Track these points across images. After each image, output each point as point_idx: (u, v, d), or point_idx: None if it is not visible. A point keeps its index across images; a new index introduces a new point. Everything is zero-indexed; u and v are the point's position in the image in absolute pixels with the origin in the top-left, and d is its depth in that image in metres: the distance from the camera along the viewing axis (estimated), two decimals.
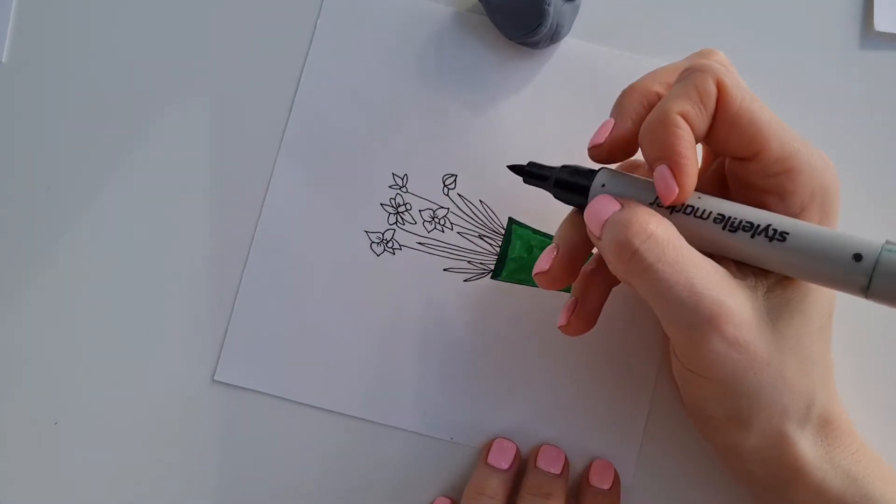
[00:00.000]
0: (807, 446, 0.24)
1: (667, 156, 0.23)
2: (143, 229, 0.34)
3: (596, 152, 0.27)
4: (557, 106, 0.34)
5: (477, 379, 0.32)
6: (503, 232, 0.33)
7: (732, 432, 0.25)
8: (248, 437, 0.32)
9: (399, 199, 0.33)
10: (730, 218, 0.23)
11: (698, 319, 0.23)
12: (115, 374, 0.33)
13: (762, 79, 0.34)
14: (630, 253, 0.23)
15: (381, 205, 0.33)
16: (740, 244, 0.23)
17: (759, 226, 0.22)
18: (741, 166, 0.25)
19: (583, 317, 0.28)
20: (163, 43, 0.35)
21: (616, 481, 0.31)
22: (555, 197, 0.28)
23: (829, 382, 0.25)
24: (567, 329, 0.28)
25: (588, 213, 0.25)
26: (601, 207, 0.25)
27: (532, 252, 0.32)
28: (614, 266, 0.24)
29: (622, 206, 0.24)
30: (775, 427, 0.24)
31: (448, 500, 0.31)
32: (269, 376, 0.32)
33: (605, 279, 0.28)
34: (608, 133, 0.26)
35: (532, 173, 0.29)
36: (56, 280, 0.33)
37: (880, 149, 0.34)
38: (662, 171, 0.23)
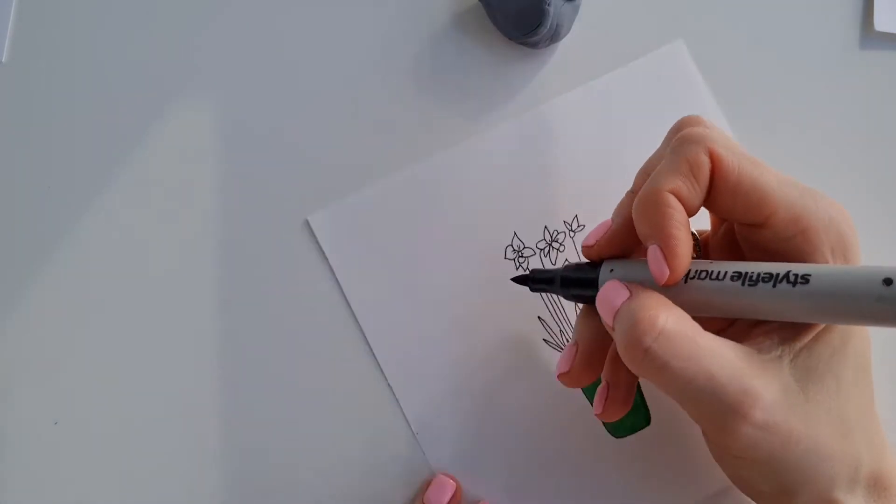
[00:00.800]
0: None
1: (657, 236, 0.23)
2: (144, 229, 0.34)
3: (588, 252, 0.27)
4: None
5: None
6: None
7: (781, 503, 0.24)
8: (250, 435, 0.32)
9: (560, 238, 0.33)
10: (747, 273, 0.22)
11: (724, 409, 0.21)
12: (116, 374, 0.33)
13: (762, 79, 0.34)
14: (642, 353, 0.22)
15: (545, 227, 0.33)
16: (763, 297, 0.22)
17: (778, 274, 0.21)
18: (752, 232, 0.24)
19: (618, 401, 0.27)
20: (163, 43, 0.35)
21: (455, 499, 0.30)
22: (565, 298, 0.28)
23: (875, 437, 0.24)
24: (604, 416, 0.27)
25: (599, 302, 0.24)
26: (611, 296, 0.24)
27: None
28: (628, 362, 0.23)
29: (631, 292, 0.23)
30: (824, 496, 0.23)
31: (450, 480, 0.31)
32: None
33: (598, 344, 0.27)
34: (602, 234, 0.26)
35: (537, 279, 0.29)
36: (56, 280, 0.33)
37: (880, 148, 0.34)
38: (654, 252, 0.23)
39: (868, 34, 0.35)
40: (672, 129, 0.26)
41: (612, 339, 0.26)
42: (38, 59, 0.35)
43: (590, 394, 0.31)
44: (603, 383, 0.27)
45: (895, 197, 0.34)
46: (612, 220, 0.26)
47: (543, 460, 0.31)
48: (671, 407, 0.30)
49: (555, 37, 0.33)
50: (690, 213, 0.24)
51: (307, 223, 0.33)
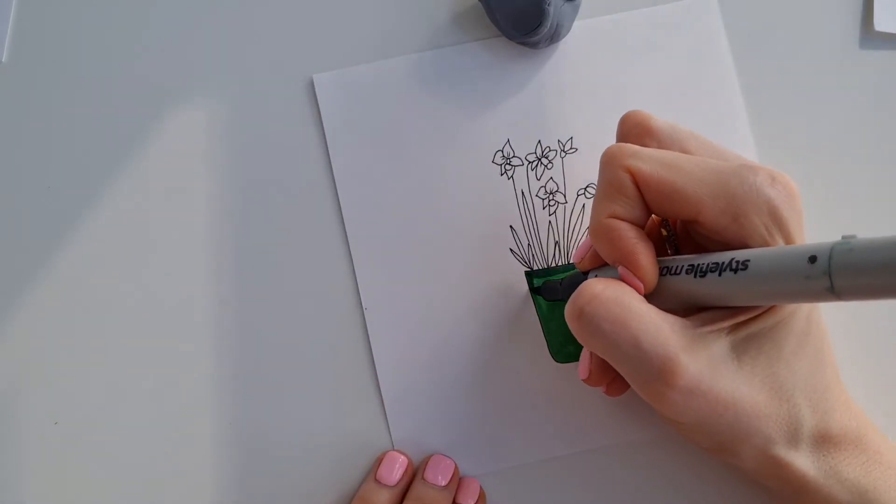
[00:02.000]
0: (806, 464, 0.25)
1: (619, 258, 0.24)
2: (144, 229, 0.34)
3: (578, 266, 0.29)
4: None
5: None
6: (571, 262, 0.33)
7: (726, 458, 0.26)
8: (251, 437, 0.32)
9: (551, 156, 0.33)
10: (698, 265, 0.23)
11: (648, 376, 0.23)
12: (116, 374, 0.33)
13: (763, 79, 0.34)
14: (576, 315, 0.24)
15: (539, 141, 0.33)
16: (712, 286, 0.23)
17: (723, 262, 0.22)
18: (693, 227, 0.25)
19: (616, 384, 0.28)
20: (163, 42, 0.35)
21: (481, 498, 0.31)
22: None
23: (825, 399, 0.25)
24: (608, 393, 0.29)
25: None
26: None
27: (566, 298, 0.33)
28: (572, 330, 0.25)
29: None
30: (762, 453, 0.24)
31: (401, 456, 0.31)
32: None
33: None
34: (585, 252, 0.28)
35: (548, 290, 0.31)
36: (56, 279, 0.33)
37: (881, 148, 0.34)
38: (623, 272, 0.24)
39: (868, 34, 0.35)
40: (618, 126, 0.28)
41: None
42: (38, 59, 0.35)
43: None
44: (589, 376, 0.28)
45: (894, 196, 0.34)
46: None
47: (485, 383, 0.32)
48: None
49: (555, 37, 0.33)
50: (640, 223, 0.25)
51: (311, 82, 0.34)
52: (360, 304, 0.32)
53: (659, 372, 0.23)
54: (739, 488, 0.31)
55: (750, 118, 0.34)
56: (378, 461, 0.31)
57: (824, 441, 0.25)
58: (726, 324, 0.24)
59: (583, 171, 0.33)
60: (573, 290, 0.27)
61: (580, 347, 0.32)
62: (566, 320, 0.25)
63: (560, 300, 0.31)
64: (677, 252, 0.27)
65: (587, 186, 0.33)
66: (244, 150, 0.34)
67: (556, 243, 0.33)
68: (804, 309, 0.25)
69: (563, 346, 0.32)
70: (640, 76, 0.34)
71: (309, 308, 0.33)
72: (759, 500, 0.31)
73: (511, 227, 0.33)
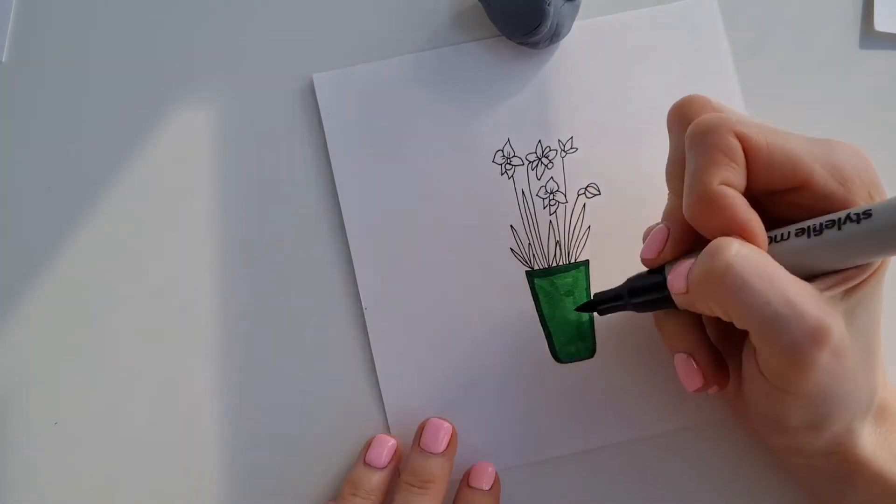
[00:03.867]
0: (866, 436, 0.24)
1: (731, 228, 0.23)
2: (144, 229, 0.34)
3: (651, 264, 0.27)
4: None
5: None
6: (572, 261, 0.33)
7: (806, 436, 0.25)
8: (251, 436, 0.32)
9: (551, 155, 0.33)
10: (811, 226, 0.23)
11: (801, 335, 0.21)
12: (116, 374, 0.33)
13: (763, 79, 0.34)
14: (722, 269, 0.22)
15: (539, 141, 0.33)
16: (831, 244, 0.22)
17: (840, 218, 0.22)
18: (789, 196, 0.24)
19: (714, 373, 0.27)
20: (163, 42, 0.35)
21: (496, 483, 0.30)
22: (637, 310, 0.28)
23: (882, 367, 0.25)
24: (718, 389, 0.27)
25: (670, 281, 0.25)
26: (681, 268, 0.24)
27: (568, 297, 0.32)
28: (705, 295, 0.23)
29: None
30: (847, 425, 0.24)
31: (390, 439, 0.31)
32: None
33: (707, 340, 0.27)
34: (662, 244, 0.26)
35: (603, 301, 0.29)
36: (56, 280, 0.33)
37: (881, 148, 0.34)
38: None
39: (868, 34, 0.35)
40: (674, 116, 0.26)
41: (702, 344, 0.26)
42: (38, 59, 0.35)
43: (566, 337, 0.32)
44: (690, 363, 0.27)
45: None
46: (668, 227, 0.26)
47: (489, 383, 0.32)
48: (618, 342, 0.32)
49: (555, 37, 0.33)
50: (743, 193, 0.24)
51: (312, 82, 0.34)
52: (360, 303, 0.32)
53: (814, 331, 0.21)
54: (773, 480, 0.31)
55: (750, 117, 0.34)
56: (367, 444, 0.31)
57: (881, 411, 0.25)
58: (844, 287, 0.23)
59: (583, 170, 0.33)
60: (642, 293, 0.27)
61: (582, 347, 0.32)
62: (695, 287, 0.23)
63: (613, 311, 0.29)
64: None
65: (588, 186, 0.33)
66: (245, 150, 0.34)
67: (557, 243, 0.33)
68: (884, 278, 0.24)
69: (565, 346, 0.32)
70: (640, 76, 0.34)
71: (309, 307, 0.33)
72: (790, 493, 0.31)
73: (511, 226, 0.33)
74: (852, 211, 0.22)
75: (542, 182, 0.33)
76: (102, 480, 0.32)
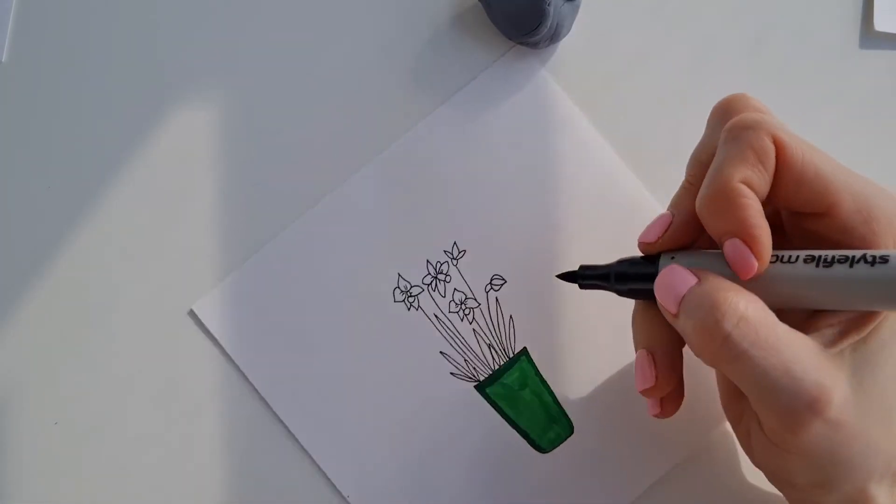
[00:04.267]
0: (883, 498, 0.23)
1: (737, 230, 0.22)
2: (144, 229, 0.34)
3: (647, 249, 0.25)
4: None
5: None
6: (511, 356, 0.32)
7: (815, 496, 0.24)
8: (255, 438, 0.32)
9: (444, 268, 0.32)
10: (822, 256, 0.21)
11: (798, 405, 0.21)
12: (116, 374, 0.33)
13: (763, 78, 0.34)
14: (721, 339, 0.21)
15: (427, 261, 0.33)
16: (839, 281, 0.21)
17: (855, 256, 0.21)
18: (810, 221, 0.23)
19: (672, 396, 0.26)
20: (162, 42, 0.35)
21: None
22: (619, 294, 0.26)
23: None
24: (663, 415, 0.26)
25: (659, 286, 0.23)
26: (675, 280, 0.23)
27: (524, 389, 0.32)
28: (699, 350, 0.22)
29: (699, 279, 0.22)
30: (859, 487, 0.23)
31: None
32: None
33: (675, 343, 0.26)
34: (664, 230, 0.25)
35: (587, 276, 0.27)
36: (57, 280, 0.33)
37: (881, 148, 0.34)
38: (736, 245, 0.22)
39: (868, 34, 0.35)
40: (717, 109, 0.25)
41: (683, 343, 0.25)
42: (38, 59, 0.35)
43: (535, 427, 0.31)
44: (656, 383, 0.26)
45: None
46: (672, 213, 0.25)
47: (473, 485, 0.31)
48: (589, 406, 0.31)
49: (555, 37, 0.33)
50: (761, 202, 0.22)
51: (192, 312, 0.33)
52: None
53: (812, 401, 0.21)
54: None
55: None
56: None
57: None
58: (851, 340, 0.22)
59: (480, 267, 0.32)
60: (629, 280, 0.25)
61: (560, 428, 0.31)
62: (688, 333, 0.22)
63: (595, 288, 0.28)
64: None
65: (491, 279, 0.32)
66: (244, 150, 0.34)
67: (490, 346, 0.32)
68: None
69: (544, 435, 0.31)
70: (493, 151, 0.33)
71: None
72: None
73: (441, 352, 0.32)
74: (869, 252, 0.21)
75: (448, 297, 0.32)
76: (102, 480, 0.32)
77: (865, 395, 0.22)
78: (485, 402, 0.32)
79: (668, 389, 0.26)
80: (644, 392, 0.26)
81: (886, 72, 0.34)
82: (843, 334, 0.22)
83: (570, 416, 0.32)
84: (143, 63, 0.35)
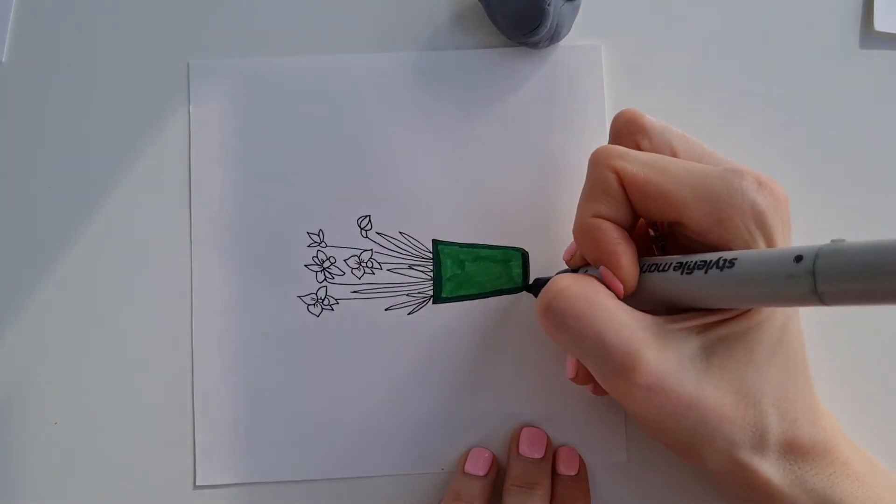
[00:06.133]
0: (772, 471, 0.24)
1: (601, 258, 0.25)
2: (144, 229, 0.34)
3: (568, 265, 0.29)
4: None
5: (451, 403, 0.32)
6: (431, 256, 0.33)
7: (690, 458, 0.26)
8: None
9: (322, 255, 0.33)
10: (686, 262, 0.23)
11: (610, 371, 0.23)
12: (116, 374, 0.33)
13: (763, 78, 0.34)
14: (543, 309, 0.24)
15: (306, 266, 0.33)
16: (697, 284, 0.23)
17: (710, 261, 0.22)
18: (678, 228, 0.25)
19: (587, 374, 0.28)
20: (162, 42, 0.35)
21: (582, 466, 0.31)
22: None
23: (795, 408, 0.25)
24: (577, 381, 0.28)
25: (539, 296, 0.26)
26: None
27: (464, 266, 0.32)
28: (540, 323, 0.25)
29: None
30: (728, 457, 0.24)
31: (486, 451, 0.31)
32: (247, 466, 0.32)
33: None
34: (573, 251, 0.29)
35: (537, 286, 0.31)
36: (56, 279, 0.33)
37: (881, 148, 0.34)
38: (604, 272, 0.25)
39: (868, 34, 0.35)
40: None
41: None
42: (38, 59, 0.35)
43: None
44: (576, 376, 0.28)
45: (895, 197, 0.34)
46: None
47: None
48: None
49: (555, 37, 0.33)
50: (625, 225, 0.25)
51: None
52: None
53: (621, 367, 0.23)
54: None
55: (749, 118, 0.34)
56: (464, 457, 0.31)
57: (791, 449, 0.25)
58: (696, 322, 0.24)
59: (344, 229, 0.33)
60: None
61: (517, 255, 0.32)
62: (537, 311, 0.25)
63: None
64: (664, 253, 0.27)
65: (359, 223, 0.33)
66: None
67: (410, 266, 0.33)
68: (779, 316, 0.25)
69: (511, 273, 0.32)
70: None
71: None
72: None
73: (386, 309, 0.32)
74: (723, 256, 0.22)
75: (348, 270, 0.33)
76: (102, 480, 0.32)
77: (711, 371, 0.24)
78: (452, 307, 0.32)
79: (588, 381, 0.28)
80: (571, 380, 0.28)
81: (886, 72, 0.34)
82: (694, 316, 0.24)
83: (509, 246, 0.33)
84: (144, 63, 0.35)
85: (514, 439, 0.31)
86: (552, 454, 0.31)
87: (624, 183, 0.24)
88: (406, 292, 0.32)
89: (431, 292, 0.32)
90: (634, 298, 0.25)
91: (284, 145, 0.34)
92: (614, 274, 0.24)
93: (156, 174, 0.34)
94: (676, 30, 0.35)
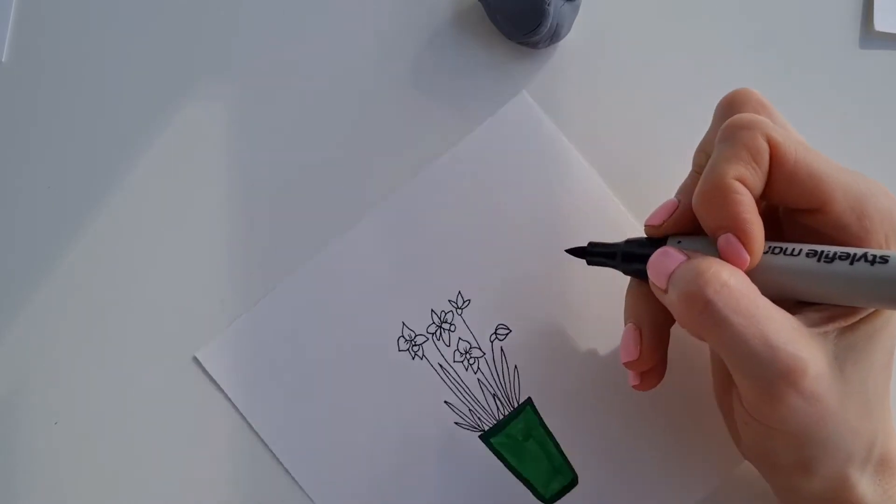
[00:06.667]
0: (865, 487, 0.24)
1: (730, 224, 0.23)
2: (143, 228, 0.34)
3: (652, 232, 0.26)
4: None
5: None
6: (516, 406, 0.32)
7: (796, 477, 0.24)
8: (249, 434, 0.32)
9: (449, 317, 0.32)
10: (824, 251, 0.22)
11: (774, 374, 0.21)
12: (116, 374, 0.33)
13: (763, 79, 0.34)
14: (702, 304, 0.22)
15: (432, 310, 0.32)
16: (838, 277, 0.22)
17: (856, 254, 0.21)
18: (805, 217, 0.24)
19: (653, 372, 0.27)
20: (162, 43, 0.35)
21: None
22: (624, 272, 0.27)
23: (888, 420, 0.24)
24: (642, 387, 0.27)
25: (651, 264, 0.24)
26: (666, 259, 0.24)
27: (528, 440, 0.31)
28: (684, 319, 0.23)
29: (688, 257, 0.23)
30: (839, 471, 0.23)
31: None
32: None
33: (662, 320, 0.27)
34: (669, 215, 0.26)
35: (595, 253, 0.28)
36: (57, 279, 0.33)
37: (880, 148, 0.34)
38: (729, 239, 0.23)
39: (868, 34, 0.35)
40: (722, 103, 0.26)
41: (671, 322, 0.26)
42: (38, 59, 0.35)
43: (537, 478, 0.31)
44: (639, 356, 0.27)
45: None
46: (679, 199, 0.26)
47: None
48: (590, 456, 0.31)
49: (555, 37, 0.33)
50: (754, 198, 0.23)
51: (195, 360, 0.33)
52: None
53: (788, 371, 0.21)
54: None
55: None
56: None
57: (883, 463, 0.24)
58: (833, 326, 0.23)
59: (485, 316, 0.32)
60: (634, 260, 0.26)
61: (563, 479, 0.31)
62: (674, 304, 0.23)
63: (601, 265, 0.28)
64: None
65: (496, 329, 0.32)
66: (242, 151, 0.34)
67: (494, 395, 0.32)
68: (893, 323, 0.24)
69: (548, 485, 0.31)
70: (496, 198, 0.33)
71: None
72: None
73: (446, 401, 0.32)
74: (870, 251, 0.21)
75: (453, 346, 0.32)
76: (102, 480, 0.32)
77: (846, 379, 0.22)
78: (489, 452, 0.31)
79: (650, 364, 0.26)
80: (627, 364, 0.26)
81: (886, 72, 0.34)
82: (828, 319, 0.23)
83: (574, 466, 0.31)
84: (143, 62, 0.35)
85: None
86: None
87: (775, 155, 0.23)
88: (470, 407, 0.32)
89: (486, 428, 0.31)
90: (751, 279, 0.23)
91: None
92: (745, 246, 0.22)
93: (158, 172, 0.34)
94: (676, 31, 0.35)
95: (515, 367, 0.32)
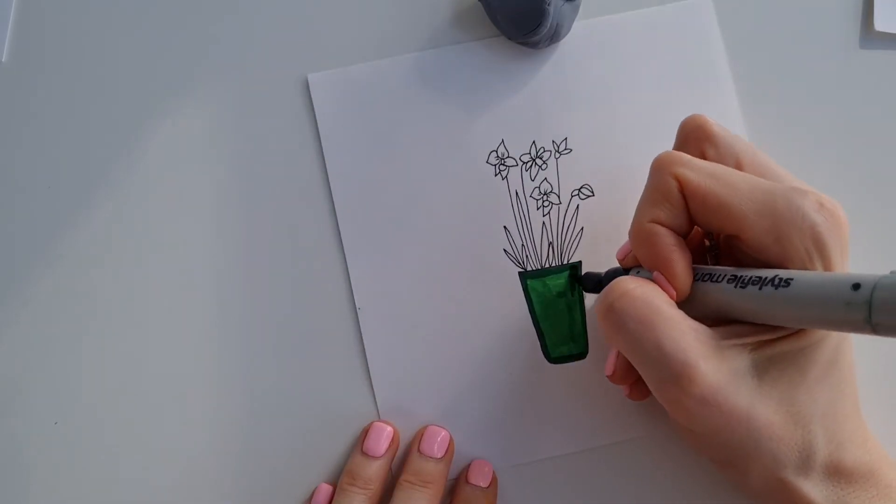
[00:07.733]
0: (815, 492, 0.24)
1: (655, 263, 0.25)
2: (143, 228, 0.34)
3: (621, 264, 0.29)
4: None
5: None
6: (564, 263, 0.33)
7: (733, 474, 0.26)
8: (249, 434, 0.32)
9: (545, 156, 0.33)
10: (741, 276, 0.23)
11: (665, 378, 0.23)
12: (116, 374, 0.33)
13: (762, 79, 0.34)
14: (605, 309, 0.24)
15: (533, 142, 0.33)
16: (750, 299, 0.23)
17: (765, 277, 0.23)
18: (734, 240, 0.25)
19: (639, 386, 0.29)
20: (163, 42, 0.35)
21: (494, 482, 0.31)
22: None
23: (842, 431, 0.25)
24: (632, 397, 0.29)
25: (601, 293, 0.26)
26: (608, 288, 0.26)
27: (560, 299, 0.32)
28: (599, 327, 0.25)
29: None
30: (772, 474, 0.24)
31: (329, 487, 0.31)
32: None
33: None
34: (627, 251, 0.29)
35: (585, 282, 0.31)
36: (56, 279, 0.33)
37: (880, 148, 0.34)
38: (658, 277, 0.25)
39: (868, 34, 0.35)
40: (678, 131, 0.28)
41: None
42: (38, 59, 0.35)
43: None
44: (614, 373, 0.29)
45: (894, 196, 0.34)
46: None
47: (481, 384, 0.32)
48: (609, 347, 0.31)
49: (555, 37, 0.33)
50: (681, 232, 0.25)
51: (306, 82, 0.34)
52: (354, 303, 0.32)
53: (677, 376, 0.23)
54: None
55: (748, 118, 0.34)
56: (363, 433, 0.31)
57: (836, 472, 0.25)
58: (751, 339, 0.24)
59: (577, 171, 0.33)
60: (602, 287, 0.28)
61: (574, 347, 0.32)
62: (596, 312, 0.25)
63: (592, 292, 0.31)
64: (718, 263, 0.27)
65: (581, 187, 0.33)
66: (242, 151, 0.34)
67: (550, 244, 0.33)
68: (833, 338, 0.24)
69: (557, 346, 0.32)
70: (635, 78, 0.34)
71: (304, 307, 0.33)
72: None
73: (505, 227, 0.33)
74: (779, 274, 0.22)
75: (536, 183, 0.33)
76: (102, 480, 0.32)
77: (763, 388, 0.24)
78: (520, 290, 0.32)
79: (625, 382, 0.28)
80: (608, 377, 0.29)
81: (886, 72, 0.34)
82: (751, 332, 0.24)
83: (590, 341, 0.32)
84: (143, 62, 0.35)
85: (417, 436, 0.31)
86: (452, 455, 0.31)
87: (685, 191, 0.24)
88: (525, 243, 0.33)
89: (528, 268, 0.33)
90: (686, 306, 0.25)
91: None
92: (668, 280, 0.25)
93: (158, 172, 0.34)
94: (676, 30, 0.35)
95: (582, 229, 0.33)
